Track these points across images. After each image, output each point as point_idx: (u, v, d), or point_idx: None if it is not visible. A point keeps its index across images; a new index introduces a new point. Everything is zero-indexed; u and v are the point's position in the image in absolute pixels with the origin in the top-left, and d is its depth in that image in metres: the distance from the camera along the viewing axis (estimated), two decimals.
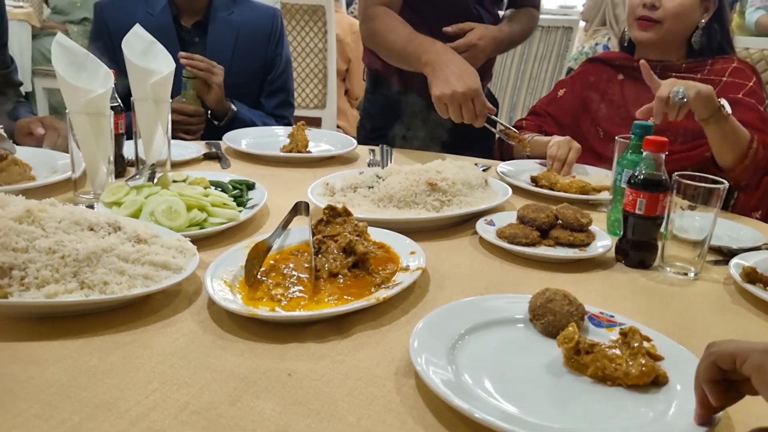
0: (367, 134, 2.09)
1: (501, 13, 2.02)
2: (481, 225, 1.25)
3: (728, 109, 1.43)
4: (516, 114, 3.67)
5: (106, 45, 1.87)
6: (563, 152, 1.64)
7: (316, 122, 3.55)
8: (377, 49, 1.84)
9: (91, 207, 1.17)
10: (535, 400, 0.75)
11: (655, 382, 0.77)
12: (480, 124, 1.63)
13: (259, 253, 1.00)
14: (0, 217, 0.86)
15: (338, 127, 3.72)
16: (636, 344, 0.80)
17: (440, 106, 1.61)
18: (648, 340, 0.83)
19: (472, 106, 1.59)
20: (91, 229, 0.92)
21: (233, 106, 1.98)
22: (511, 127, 1.73)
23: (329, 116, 3.65)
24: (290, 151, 1.71)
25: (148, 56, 1.41)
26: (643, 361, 0.77)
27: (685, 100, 1.34)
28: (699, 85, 1.36)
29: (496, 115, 1.72)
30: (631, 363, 0.78)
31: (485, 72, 2.03)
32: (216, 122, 1.97)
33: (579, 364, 0.80)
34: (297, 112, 3.29)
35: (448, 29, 1.78)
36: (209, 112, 1.95)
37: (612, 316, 0.91)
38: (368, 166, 1.70)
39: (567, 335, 0.81)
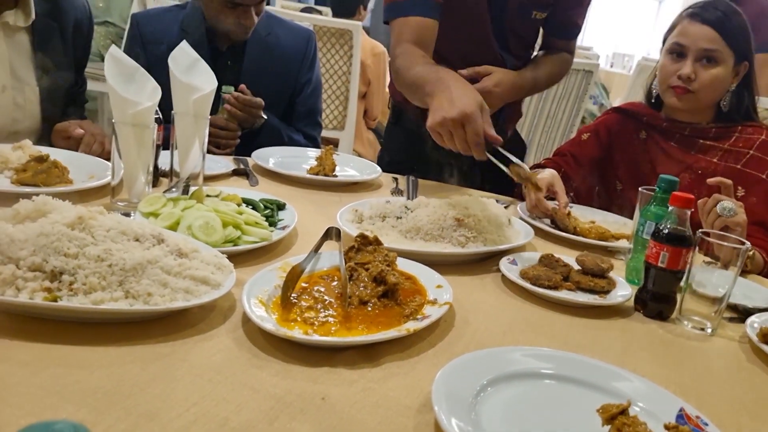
0: (385, 167, 2.08)
1: (535, 53, 2.01)
2: (504, 264, 1.28)
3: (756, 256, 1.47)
4: (530, 151, 3.71)
5: (139, 57, 1.91)
6: (540, 195, 1.58)
7: (333, 143, 3.60)
8: (401, 89, 1.74)
9: (128, 215, 1.20)
10: None
11: None
12: (480, 155, 1.37)
13: (294, 277, 1.03)
14: (54, 222, 0.89)
15: (355, 151, 3.76)
16: None
17: (436, 137, 1.42)
18: None
19: (462, 134, 1.35)
20: (137, 240, 0.95)
21: (263, 115, 2.02)
22: (522, 165, 1.45)
23: (347, 138, 3.70)
24: (317, 174, 1.75)
25: (193, 72, 1.45)
26: None
27: (733, 215, 1.36)
28: (743, 216, 1.39)
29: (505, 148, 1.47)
30: None
31: (514, 110, 2.06)
32: (244, 128, 2.01)
33: None
34: None
35: (464, 72, 1.72)
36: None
37: (706, 424, 0.80)
38: (392, 194, 1.73)
39: (610, 408, 0.74)
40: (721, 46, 1.63)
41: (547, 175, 1.69)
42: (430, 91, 1.46)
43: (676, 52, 1.69)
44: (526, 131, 3.69)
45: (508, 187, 1.92)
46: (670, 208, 1.18)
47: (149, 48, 2.01)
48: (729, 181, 1.43)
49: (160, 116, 1.45)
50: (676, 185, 1.29)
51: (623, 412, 0.73)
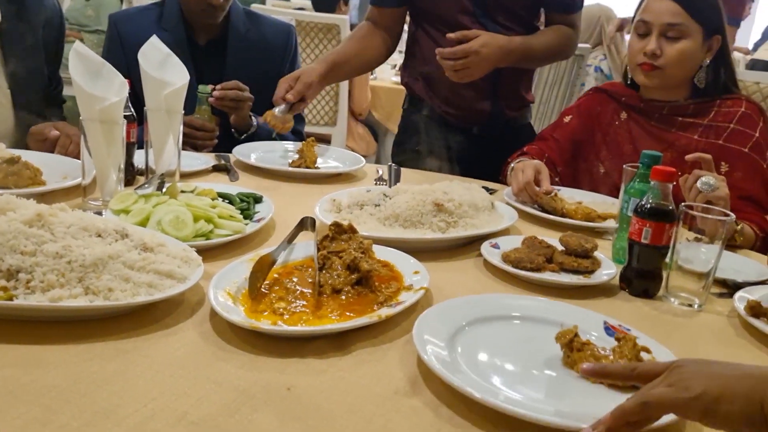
0: (401, 153, 2.12)
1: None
2: (486, 248, 1.25)
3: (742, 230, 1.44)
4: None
5: (119, 57, 1.88)
6: (530, 173, 1.59)
7: (326, 139, 3.58)
8: None
9: (100, 213, 1.18)
10: (523, 386, 0.82)
11: (636, 386, 0.79)
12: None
13: (263, 267, 1.01)
14: (11, 220, 0.86)
15: (347, 146, 3.74)
16: (627, 350, 0.85)
17: None
18: (647, 350, 0.87)
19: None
20: (99, 236, 0.93)
21: (254, 121, 2.00)
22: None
23: (339, 134, 3.67)
24: (299, 167, 1.72)
25: (164, 67, 1.42)
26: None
27: (714, 189, 1.33)
28: (725, 190, 1.36)
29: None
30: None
31: (513, 92, 2.01)
32: (237, 136, 1.99)
33: (571, 361, 0.86)
34: (308, 129, 3.31)
35: (451, 35, 1.75)
36: (232, 127, 1.98)
37: (628, 330, 0.95)
38: (375, 184, 1.70)
39: (565, 332, 0.88)
40: (685, 20, 1.59)
41: (534, 161, 1.67)
42: None
43: (641, 29, 1.65)
44: None
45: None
46: (652, 182, 1.15)
47: (129, 48, 1.98)
48: (708, 156, 1.40)
49: (133, 113, 1.43)
50: (659, 160, 1.25)
51: (576, 335, 0.87)
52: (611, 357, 0.86)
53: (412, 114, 2.11)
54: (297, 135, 2.19)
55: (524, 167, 1.62)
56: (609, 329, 0.96)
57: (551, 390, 0.84)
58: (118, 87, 1.26)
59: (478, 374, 0.83)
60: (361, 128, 3.97)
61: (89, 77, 1.24)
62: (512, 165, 1.74)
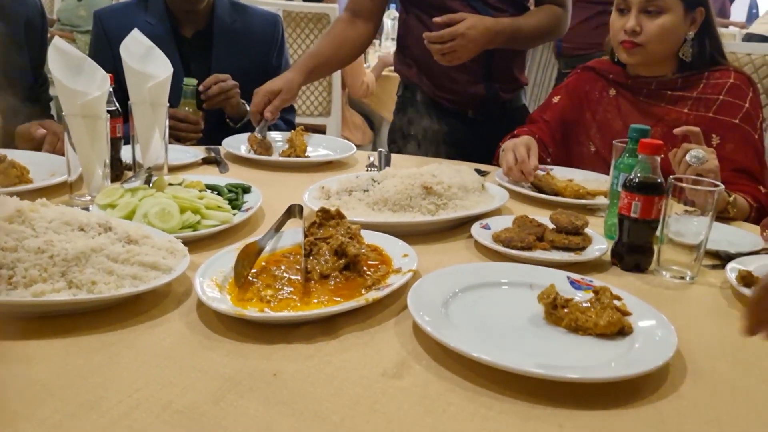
0: (398, 139, 2.11)
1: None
2: (476, 229, 1.25)
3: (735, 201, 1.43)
4: None
5: (106, 53, 1.88)
6: (522, 152, 1.58)
7: (320, 130, 3.56)
8: None
9: (86, 209, 1.17)
10: (513, 345, 0.86)
11: (621, 332, 0.88)
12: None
13: (249, 255, 1.00)
14: None
15: (343, 136, 3.72)
16: (606, 300, 0.91)
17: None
18: (619, 298, 0.93)
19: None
20: (82, 230, 0.92)
21: (248, 108, 2.00)
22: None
23: (334, 124, 3.65)
24: (289, 156, 1.71)
25: (147, 60, 1.41)
26: (611, 313, 0.88)
27: (703, 162, 1.32)
28: (714, 162, 1.34)
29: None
30: (600, 315, 0.88)
31: (505, 72, 2.00)
32: (233, 125, 1.99)
33: (556, 318, 0.91)
34: (302, 120, 3.30)
35: (438, 19, 1.74)
36: (227, 117, 1.98)
37: (591, 281, 1.02)
38: (366, 170, 1.69)
39: (546, 292, 0.92)
40: None
41: (524, 139, 1.66)
42: None
43: (621, 5, 1.64)
44: None
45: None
46: (640, 156, 1.14)
47: (115, 44, 1.95)
48: (696, 129, 1.38)
49: (118, 108, 1.42)
50: (647, 134, 1.24)
51: (557, 294, 0.92)
52: (592, 309, 0.90)
53: (406, 100, 2.09)
54: (288, 125, 2.18)
55: (515, 146, 1.60)
56: (574, 283, 1.02)
57: (538, 345, 0.88)
58: (99, 81, 1.25)
59: (469, 336, 0.85)
60: (356, 118, 3.95)
61: (70, 72, 1.23)
62: (503, 146, 1.73)
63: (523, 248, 1.17)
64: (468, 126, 2.02)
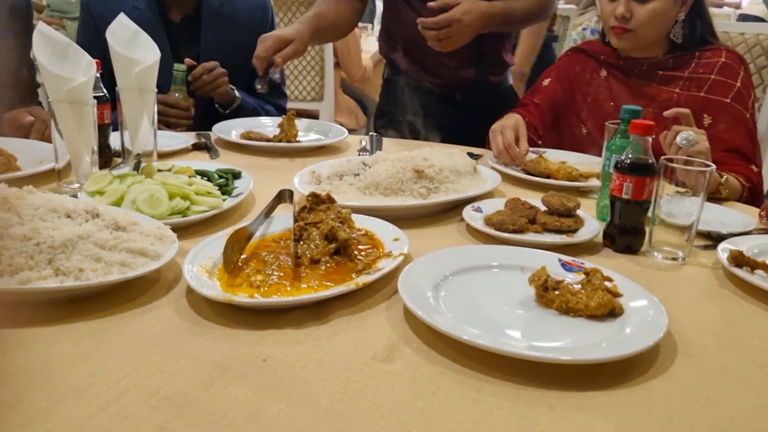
0: (384, 123, 2.09)
1: None
2: (468, 212, 1.24)
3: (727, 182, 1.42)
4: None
5: (94, 39, 1.85)
6: (510, 136, 1.58)
7: (313, 115, 3.54)
8: None
9: (75, 196, 1.16)
10: (504, 328, 0.86)
11: (612, 313, 0.87)
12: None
13: (239, 240, 0.99)
14: None
15: (336, 121, 3.70)
16: (597, 282, 0.91)
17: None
18: (610, 280, 0.93)
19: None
20: (69, 217, 0.91)
21: (237, 94, 1.98)
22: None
23: (327, 109, 3.63)
24: (280, 141, 1.70)
25: (133, 45, 1.40)
26: (602, 295, 0.88)
27: (693, 144, 1.31)
28: (705, 144, 1.34)
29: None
30: (591, 297, 0.88)
31: (494, 55, 1.98)
32: (222, 111, 1.97)
33: (547, 300, 0.90)
34: (294, 106, 3.28)
35: (432, 4, 1.71)
36: (216, 103, 1.96)
37: (582, 263, 1.02)
38: (358, 155, 1.68)
39: (537, 274, 0.92)
40: None
41: (512, 121, 1.65)
42: None
43: None
44: None
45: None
46: (631, 137, 1.14)
47: (103, 30, 1.95)
48: (686, 111, 1.38)
49: (105, 94, 1.41)
50: (639, 114, 1.23)
51: (548, 276, 0.91)
52: (582, 291, 0.90)
53: (393, 84, 2.07)
54: (280, 110, 2.17)
55: (503, 128, 1.60)
56: (565, 265, 1.02)
57: (529, 328, 0.88)
58: (85, 67, 1.24)
59: (459, 319, 0.85)
60: (349, 102, 3.93)
61: (55, 58, 1.22)
62: (491, 128, 1.72)
63: (514, 231, 1.17)
64: (456, 110, 2.00)
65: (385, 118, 2.09)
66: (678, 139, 1.31)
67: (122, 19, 1.41)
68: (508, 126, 1.59)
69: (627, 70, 1.70)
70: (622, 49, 1.69)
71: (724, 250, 1.09)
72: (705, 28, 1.64)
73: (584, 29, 3.45)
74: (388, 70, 2.13)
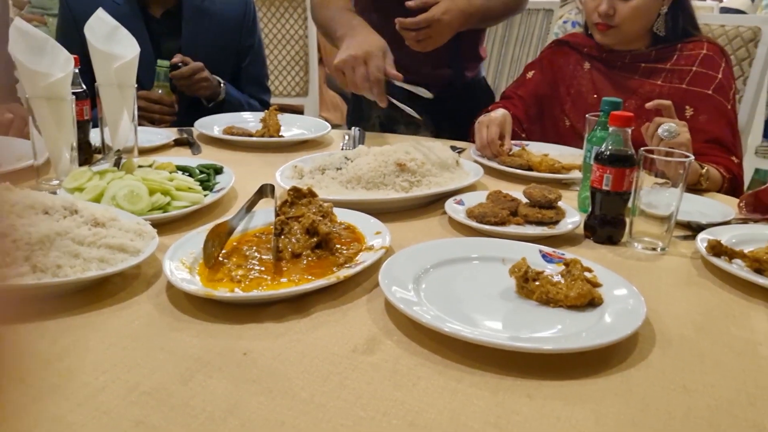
0: (353, 122, 2.06)
1: None
2: (450, 205, 1.24)
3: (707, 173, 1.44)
4: (498, 97, 3.65)
5: (73, 35, 1.83)
6: (494, 132, 1.59)
7: (298, 110, 3.53)
8: (315, 25, 1.81)
9: (54, 193, 1.15)
10: (484, 319, 0.86)
11: (592, 303, 0.88)
12: (380, 93, 1.44)
13: (219, 235, 0.99)
14: None
15: (321, 116, 3.69)
16: (577, 272, 0.92)
17: (339, 75, 1.51)
18: (590, 270, 0.94)
19: (363, 70, 1.43)
20: (46, 213, 0.91)
21: (222, 85, 1.97)
22: (413, 113, 1.53)
23: (312, 104, 3.62)
24: (262, 136, 1.70)
25: (112, 40, 1.38)
26: (581, 285, 0.89)
27: (675, 136, 1.33)
28: (686, 135, 1.35)
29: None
30: (571, 287, 0.89)
31: (468, 49, 1.98)
32: (206, 104, 1.96)
33: (527, 291, 0.91)
34: (279, 101, 3.27)
35: (411, 4, 1.67)
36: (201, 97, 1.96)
37: (563, 254, 1.02)
38: (342, 149, 1.68)
39: (517, 266, 0.92)
40: None
41: (499, 115, 1.65)
42: (341, 35, 1.56)
43: None
44: (492, 78, 3.63)
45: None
46: (610, 129, 1.14)
47: (83, 26, 1.93)
48: (668, 102, 1.39)
49: (85, 90, 1.40)
50: (619, 106, 1.24)
51: (529, 267, 0.92)
52: (563, 282, 0.91)
53: None
54: (264, 105, 2.16)
55: (489, 122, 1.60)
56: (545, 256, 1.03)
57: (510, 319, 0.88)
58: (63, 62, 1.23)
59: (439, 311, 0.85)
60: (335, 97, 3.92)
61: (32, 54, 1.20)
62: (477, 120, 1.72)
63: (496, 223, 1.17)
64: (430, 106, 1.99)
65: (357, 115, 2.07)
66: (660, 130, 1.32)
67: (100, 14, 1.40)
68: (495, 121, 1.59)
69: (610, 62, 1.71)
70: (606, 44, 1.70)
71: (702, 240, 1.10)
72: (687, 21, 1.66)
73: (565, 22, 3.46)
74: None
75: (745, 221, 1.28)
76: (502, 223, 1.18)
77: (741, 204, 1.31)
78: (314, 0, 1.82)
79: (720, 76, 1.60)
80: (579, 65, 1.77)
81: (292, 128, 1.82)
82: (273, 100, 2.26)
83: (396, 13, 1.72)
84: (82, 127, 1.37)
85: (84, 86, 1.39)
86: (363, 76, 1.43)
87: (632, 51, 1.68)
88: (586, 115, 1.38)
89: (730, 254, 1.05)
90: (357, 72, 1.44)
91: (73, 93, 1.26)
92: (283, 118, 1.77)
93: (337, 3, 1.71)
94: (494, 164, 1.55)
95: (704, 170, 1.42)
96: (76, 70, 1.35)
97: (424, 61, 1.88)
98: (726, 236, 1.13)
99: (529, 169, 1.52)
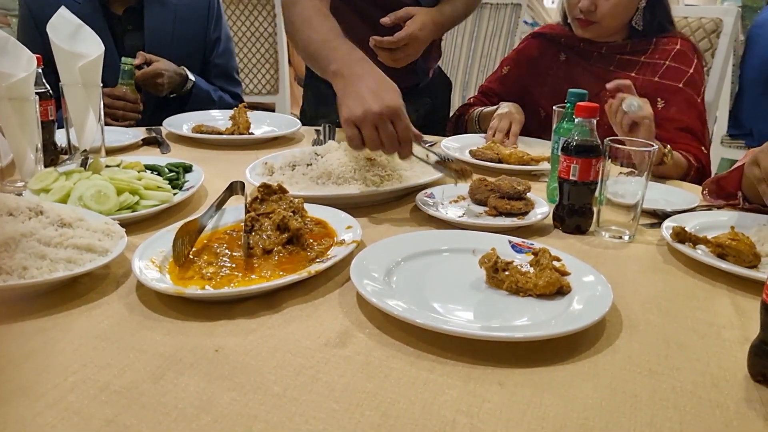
0: (308, 121, 2.02)
1: None
2: (421, 198, 1.25)
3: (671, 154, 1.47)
4: (468, 93, 3.68)
5: (34, 35, 1.81)
6: (504, 125, 1.64)
7: (269, 108, 3.51)
8: (292, 42, 1.53)
9: (20, 195, 1.14)
10: (455, 309, 0.87)
11: (560, 291, 0.90)
12: (406, 155, 1.24)
13: (189, 233, 0.98)
14: None
15: (293, 114, 3.68)
16: (545, 262, 0.93)
17: (351, 131, 1.21)
18: (558, 259, 0.96)
19: (392, 130, 1.20)
20: (11, 214, 0.89)
21: (190, 76, 1.96)
22: (450, 156, 1.44)
23: (283, 101, 3.61)
24: (232, 134, 1.69)
25: (76, 39, 1.36)
26: (550, 274, 0.90)
27: (638, 110, 1.36)
28: (648, 109, 1.39)
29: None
30: (539, 276, 0.90)
31: (434, 51, 2.00)
32: (173, 94, 1.94)
33: (497, 281, 0.92)
34: (249, 99, 3.24)
35: (386, 20, 1.63)
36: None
37: (532, 244, 1.04)
38: (313, 146, 1.68)
39: (487, 256, 0.93)
40: None
41: (519, 115, 1.70)
42: (337, 71, 1.30)
43: None
44: (462, 73, 3.65)
45: (440, 130, 1.90)
46: (576, 119, 1.16)
47: (43, 26, 1.89)
48: (627, 82, 1.43)
49: (49, 90, 1.38)
50: (584, 97, 1.26)
51: (498, 258, 0.93)
52: (531, 271, 0.92)
53: (321, 84, 1.83)
54: (234, 98, 2.15)
55: (511, 117, 1.67)
56: (515, 246, 1.04)
57: (480, 309, 0.89)
58: (25, 62, 1.21)
59: (411, 303, 0.85)
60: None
61: None
62: (481, 109, 1.77)
63: (481, 202, 1.21)
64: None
65: (310, 115, 2.04)
66: (624, 105, 1.36)
67: (63, 12, 1.38)
68: (516, 118, 1.68)
69: (586, 53, 1.74)
70: (585, 38, 1.73)
71: (667, 227, 1.12)
72: (663, 16, 1.69)
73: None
74: (310, 74, 2.02)
75: (709, 208, 1.31)
76: (484, 204, 1.24)
77: (704, 192, 1.34)
78: (294, 17, 1.49)
79: (691, 71, 1.64)
80: (555, 57, 1.80)
81: (262, 125, 1.81)
82: (244, 99, 2.25)
83: (371, 12, 1.71)
84: (47, 128, 1.35)
85: (48, 86, 1.37)
86: (392, 137, 1.20)
87: (608, 42, 1.71)
88: (554, 107, 1.39)
89: (694, 240, 1.07)
90: (383, 132, 1.20)
91: (37, 93, 1.24)
92: (253, 115, 1.77)
93: (323, 23, 1.43)
94: (465, 157, 1.57)
95: (667, 149, 1.45)
96: (39, 70, 1.33)
97: (393, 71, 1.86)
98: (691, 223, 1.16)
99: (500, 161, 1.53)
